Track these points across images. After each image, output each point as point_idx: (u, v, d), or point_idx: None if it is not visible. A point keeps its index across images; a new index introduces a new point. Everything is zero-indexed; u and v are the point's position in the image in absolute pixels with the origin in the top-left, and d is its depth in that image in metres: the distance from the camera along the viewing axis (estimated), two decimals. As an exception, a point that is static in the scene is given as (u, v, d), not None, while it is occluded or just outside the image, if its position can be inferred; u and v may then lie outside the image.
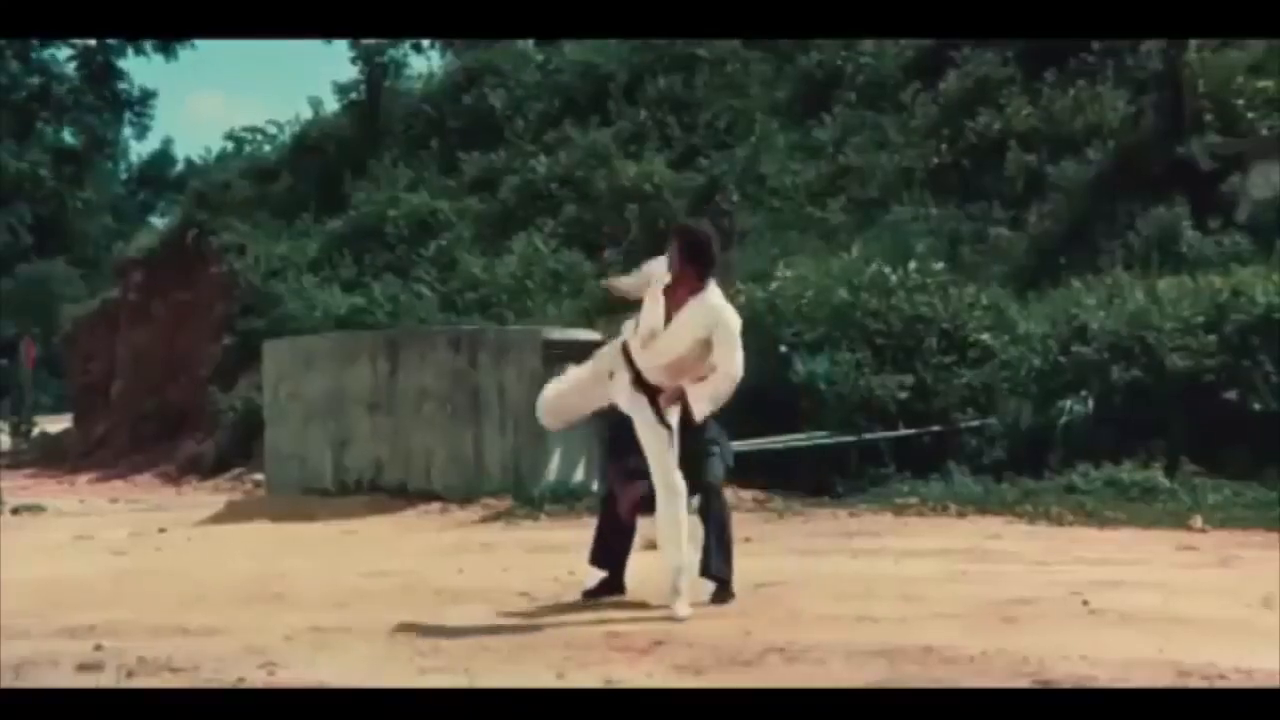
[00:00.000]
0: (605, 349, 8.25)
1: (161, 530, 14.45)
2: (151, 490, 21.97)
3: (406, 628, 7.70)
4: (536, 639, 7.27)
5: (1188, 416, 13.27)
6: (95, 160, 55.17)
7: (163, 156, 61.96)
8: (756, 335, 15.00)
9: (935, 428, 14.20)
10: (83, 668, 6.81)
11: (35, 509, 17.57)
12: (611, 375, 7.99)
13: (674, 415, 7.76)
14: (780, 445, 14.06)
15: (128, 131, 59.11)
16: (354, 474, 16.05)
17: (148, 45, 42.69)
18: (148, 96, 57.91)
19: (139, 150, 61.70)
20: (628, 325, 8.00)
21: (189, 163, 55.68)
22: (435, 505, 14.66)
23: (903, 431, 14.17)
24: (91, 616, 8.36)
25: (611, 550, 8.41)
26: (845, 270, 15.48)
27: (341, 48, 28.65)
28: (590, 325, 17.26)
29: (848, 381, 14.17)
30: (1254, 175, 16.60)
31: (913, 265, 15.31)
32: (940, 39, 20.04)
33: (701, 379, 7.69)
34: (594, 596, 8.32)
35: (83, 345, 32.63)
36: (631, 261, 20.22)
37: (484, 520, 13.85)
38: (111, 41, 43.82)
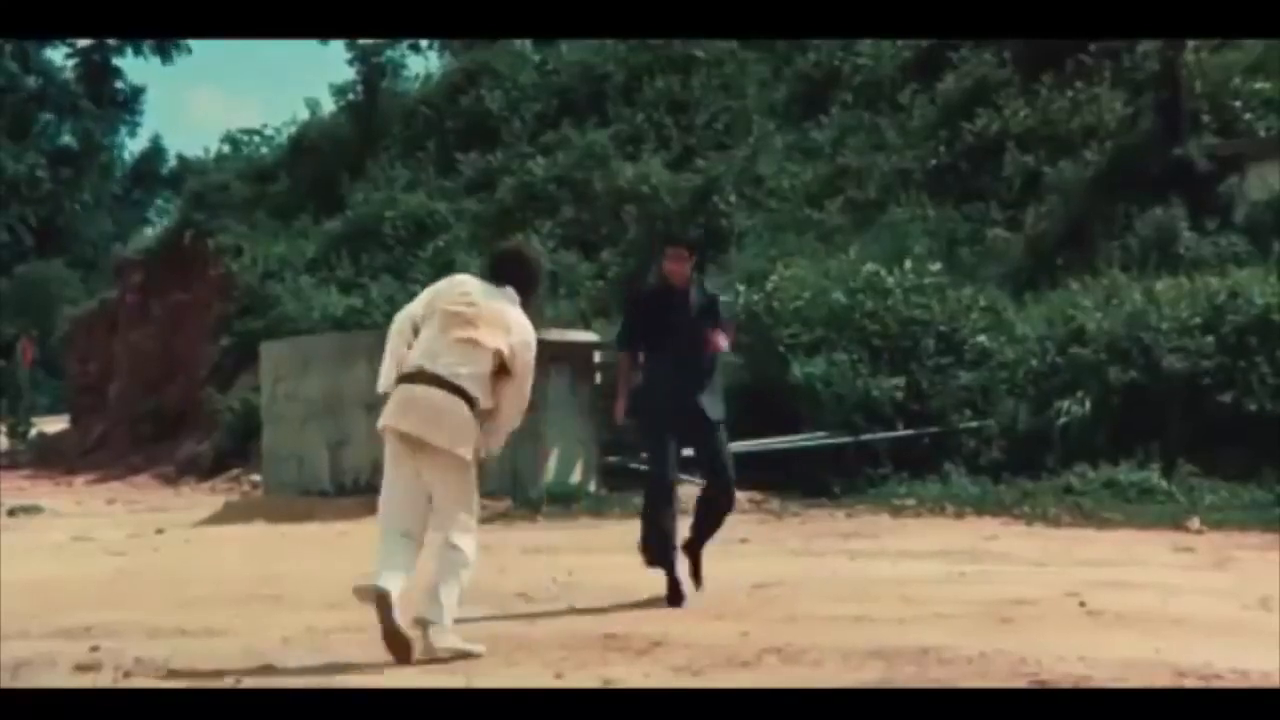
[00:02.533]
0: None
1: (159, 531, 14.44)
2: (149, 491, 21.96)
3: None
4: (534, 640, 7.27)
5: (1185, 418, 13.29)
6: (92, 161, 55.10)
7: (154, 153, 61.75)
8: (754, 336, 15.11)
9: (933, 429, 14.21)
10: (80, 669, 6.80)
11: (33, 510, 17.56)
12: None
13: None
14: (777, 446, 14.07)
15: (123, 130, 59.19)
16: (351, 475, 16.04)
17: (145, 46, 42.67)
18: (138, 93, 57.94)
19: (131, 148, 61.55)
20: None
21: (181, 159, 55.60)
22: (433, 506, 14.64)
23: (900, 433, 14.18)
24: (89, 617, 8.36)
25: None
26: (842, 272, 15.48)
27: (339, 49, 28.68)
28: (587, 326, 17.27)
29: (845, 383, 14.18)
30: (1251, 176, 16.60)
31: (908, 264, 15.30)
32: (937, 39, 20.05)
33: None
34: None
35: (80, 346, 32.62)
36: (629, 263, 20.29)
37: (481, 521, 13.82)
38: (109, 42, 43.81)
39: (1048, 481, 13.28)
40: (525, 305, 7.11)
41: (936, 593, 8.40)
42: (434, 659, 6.75)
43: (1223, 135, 17.41)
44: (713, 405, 8.43)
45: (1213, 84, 17.86)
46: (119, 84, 52.47)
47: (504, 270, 7.16)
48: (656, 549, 8.25)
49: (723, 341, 8.34)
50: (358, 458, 16.03)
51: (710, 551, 8.89)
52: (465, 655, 6.77)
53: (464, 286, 7.09)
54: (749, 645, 6.88)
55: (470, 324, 6.86)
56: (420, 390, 6.84)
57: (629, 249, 20.71)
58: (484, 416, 6.97)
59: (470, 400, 6.86)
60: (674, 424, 8.31)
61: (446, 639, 6.80)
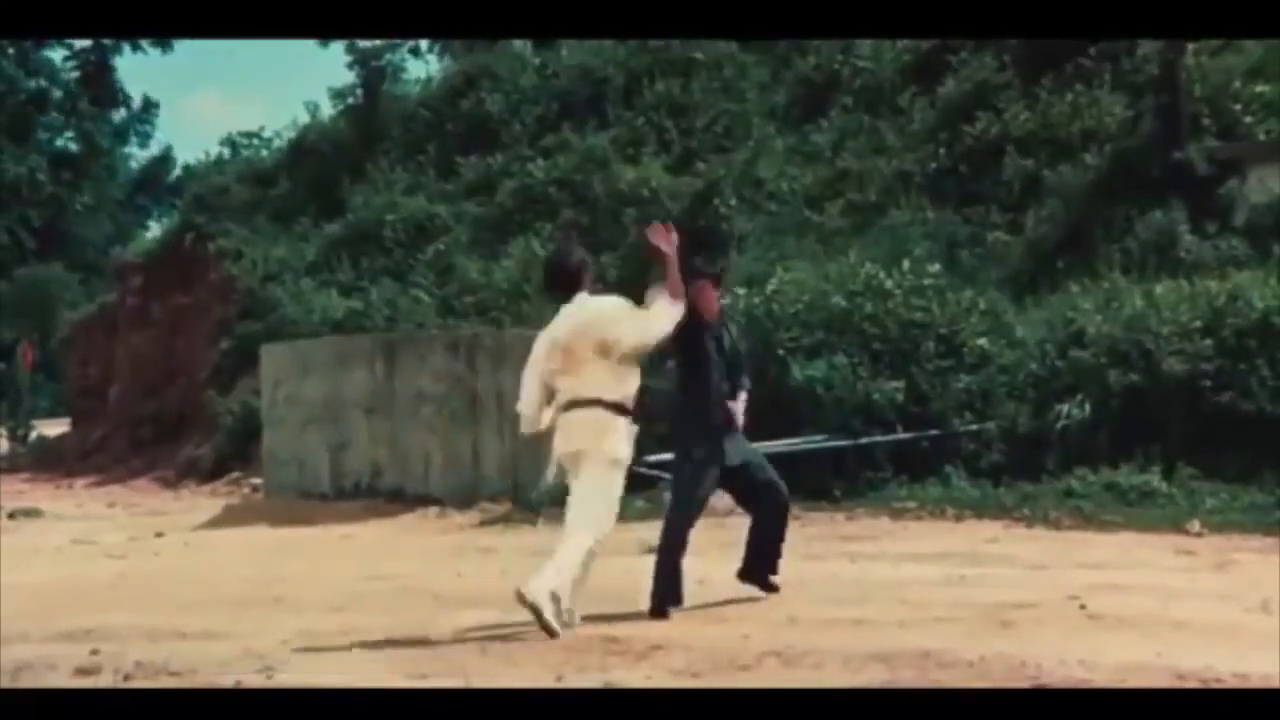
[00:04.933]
0: None
1: (159, 534, 14.46)
2: (149, 494, 21.96)
3: (404, 632, 7.70)
4: (535, 643, 7.27)
5: (1185, 420, 13.27)
6: (93, 165, 55.14)
7: (160, 161, 61.95)
8: (754, 339, 15.09)
9: (933, 432, 14.20)
10: (80, 671, 6.80)
11: (33, 513, 17.58)
12: None
13: None
14: (777, 449, 14.05)
15: (133, 139, 59.34)
16: (352, 478, 16.06)
17: (144, 43, 42.60)
18: (150, 106, 58.11)
19: (138, 155, 61.76)
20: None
21: (186, 168, 55.62)
22: (433, 509, 14.68)
23: (900, 435, 14.17)
24: (89, 620, 8.37)
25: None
26: (842, 275, 15.47)
27: (338, 51, 28.63)
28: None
29: (845, 386, 14.17)
30: (1251, 180, 16.60)
31: (906, 265, 15.30)
32: (938, 39, 20.05)
33: None
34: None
35: (80, 349, 32.59)
36: (631, 265, 20.28)
37: (482, 524, 13.87)
38: (107, 42, 43.76)
39: (1048, 484, 13.26)
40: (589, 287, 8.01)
41: (937, 596, 8.40)
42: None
43: (1223, 138, 17.40)
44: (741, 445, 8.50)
45: (1213, 87, 17.85)
46: (127, 91, 52.47)
47: (558, 283, 8.07)
48: (669, 595, 8.19)
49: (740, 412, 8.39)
50: (358, 461, 16.06)
51: (711, 555, 8.91)
52: (540, 621, 7.32)
53: (551, 333, 7.91)
54: (749, 648, 6.88)
55: (577, 347, 7.74)
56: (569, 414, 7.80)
57: (629, 252, 20.67)
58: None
59: (609, 404, 7.69)
60: (711, 467, 8.34)
61: (539, 594, 7.39)
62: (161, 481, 23.18)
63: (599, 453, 7.67)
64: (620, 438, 7.74)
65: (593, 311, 7.83)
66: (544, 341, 7.94)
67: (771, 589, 8.54)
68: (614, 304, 7.93)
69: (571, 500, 7.81)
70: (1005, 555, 10.32)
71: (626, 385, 7.77)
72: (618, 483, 7.79)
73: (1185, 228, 16.17)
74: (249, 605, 9.00)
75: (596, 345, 7.69)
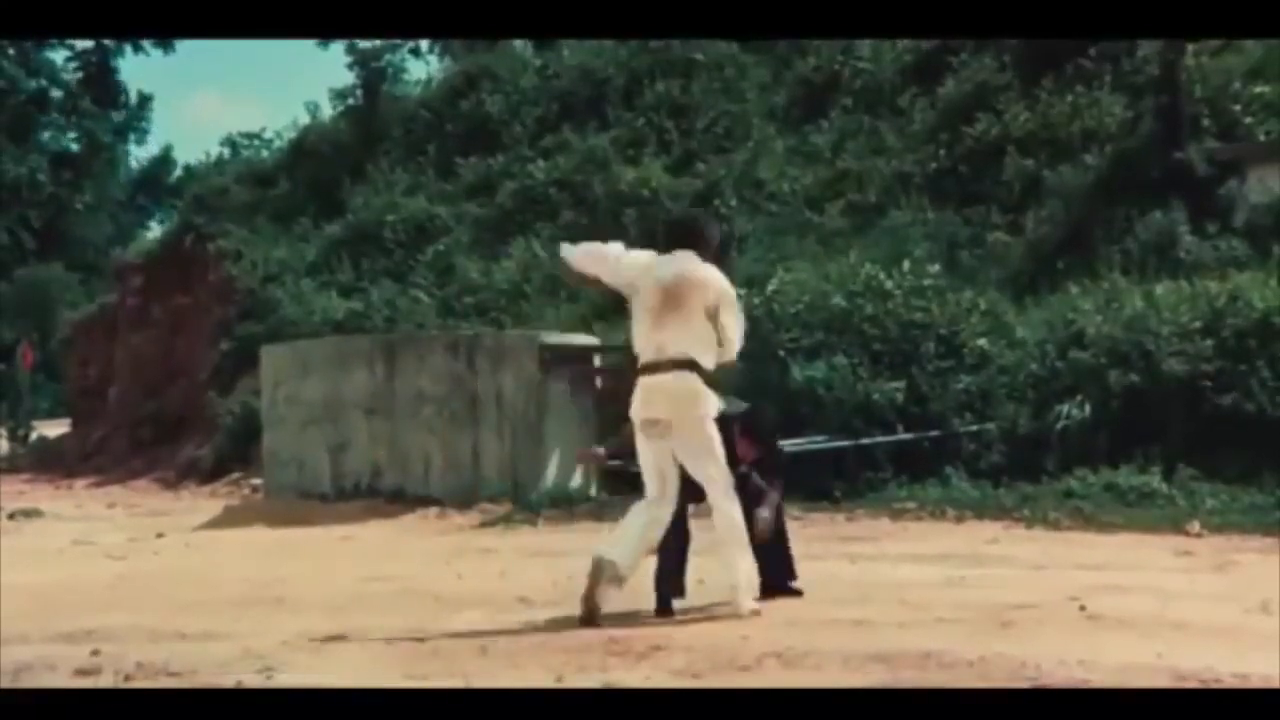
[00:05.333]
0: None
1: (159, 535, 14.46)
2: (149, 495, 21.95)
3: (404, 632, 7.70)
4: (535, 644, 7.27)
5: (1185, 421, 13.27)
6: (94, 164, 55.19)
7: (160, 162, 62.06)
8: (754, 340, 15.08)
9: (933, 432, 14.20)
10: (80, 673, 6.80)
11: (33, 514, 17.58)
12: None
13: None
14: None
15: (131, 136, 59.34)
16: (352, 478, 16.05)
17: (145, 43, 42.68)
18: (145, 100, 58.12)
19: (138, 155, 61.88)
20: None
21: (187, 169, 55.70)
22: (433, 510, 14.67)
23: (901, 436, 14.16)
24: (89, 621, 8.36)
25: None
26: (842, 275, 15.48)
27: (338, 52, 28.67)
28: (588, 330, 17.27)
29: (845, 386, 14.17)
30: (1251, 180, 16.60)
31: (906, 266, 15.30)
32: (935, 39, 20.06)
33: None
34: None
35: (81, 349, 32.60)
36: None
37: (482, 525, 13.86)
38: (108, 43, 43.85)
39: (1048, 485, 13.25)
40: (704, 259, 7.98)
41: (937, 597, 8.40)
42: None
43: (1223, 139, 17.40)
44: None
45: (1213, 88, 17.86)
46: (124, 88, 52.51)
47: (676, 238, 8.06)
48: (673, 592, 8.20)
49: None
50: (358, 461, 16.05)
51: (711, 555, 8.88)
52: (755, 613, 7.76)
53: (655, 272, 7.85)
54: (749, 649, 6.87)
55: (675, 300, 7.75)
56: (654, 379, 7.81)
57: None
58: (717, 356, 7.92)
59: (699, 368, 7.79)
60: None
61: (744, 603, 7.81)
62: (162, 482, 23.18)
63: (696, 419, 7.73)
64: (710, 399, 7.80)
65: (708, 273, 7.88)
66: (646, 267, 7.92)
67: (795, 594, 8.53)
68: (726, 285, 7.94)
69: (705, 480, 7.82)
70: (1005, 556, 10.31)
71: (711, 354, 7.85)
72: (718, 440, 7.81)
73: (1185, 228, 16.17)
74: (249, 606, 9.00)
75: (704, 304, 7.77)
